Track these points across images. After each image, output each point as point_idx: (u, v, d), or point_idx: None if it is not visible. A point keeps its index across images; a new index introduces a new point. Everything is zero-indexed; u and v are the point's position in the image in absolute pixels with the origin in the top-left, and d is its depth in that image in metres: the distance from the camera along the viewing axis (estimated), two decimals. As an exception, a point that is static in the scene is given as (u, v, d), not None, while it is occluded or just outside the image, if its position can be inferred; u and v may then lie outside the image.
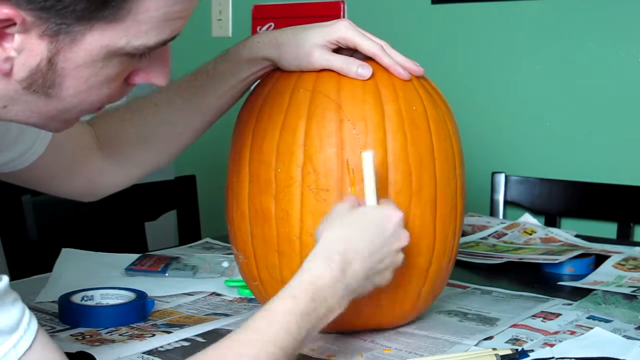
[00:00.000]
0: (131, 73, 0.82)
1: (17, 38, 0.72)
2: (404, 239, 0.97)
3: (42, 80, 0.76)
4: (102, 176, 1.19)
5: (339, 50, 1.08)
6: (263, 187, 1.05)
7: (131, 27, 0.74)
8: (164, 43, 0.78)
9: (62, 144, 1.12)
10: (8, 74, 0.75)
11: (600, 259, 1.49)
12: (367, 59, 1.08)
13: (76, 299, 1.15)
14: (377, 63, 1.07)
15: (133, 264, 1.40)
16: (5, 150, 1.05)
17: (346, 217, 0.95)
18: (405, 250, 0.99)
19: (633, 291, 1.29)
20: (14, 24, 0.71)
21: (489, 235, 1.70)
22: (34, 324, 0.75)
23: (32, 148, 1.07)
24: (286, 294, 0.87)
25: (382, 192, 1.01)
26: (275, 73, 1.11)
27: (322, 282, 0.88)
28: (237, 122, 1.13)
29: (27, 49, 0.73)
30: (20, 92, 0.77)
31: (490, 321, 1.15)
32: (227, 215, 1.13)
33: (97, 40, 0.74)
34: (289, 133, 1.04)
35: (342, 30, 1.07)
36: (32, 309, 0.83)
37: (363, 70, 1.05)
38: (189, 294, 1.27)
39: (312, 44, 1.06)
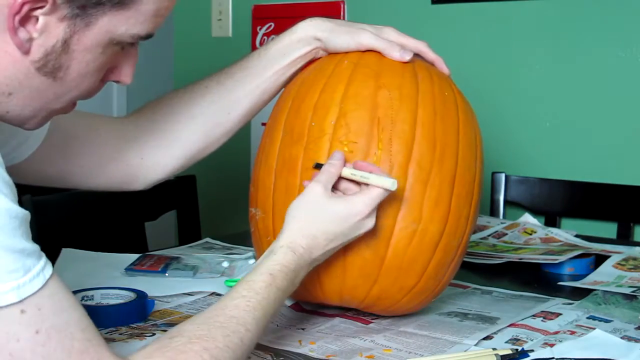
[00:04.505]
0: (107, 71, 0.90)
1: (41, 20, 0.79)
2: (365, 228, 1.02)
3: (54, 62, 0.83)
4: (143, 161, 1.22)
5: None
6: (295, 139, 1.10)
7: (132, 16, 0.83)
8: (148, 37, 0.87)
9: (79, 139, 1.17)
10: (26, 52, 0.81)
11: (600, 259, 1.49)
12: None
13: (76, 299, 1.15)
14: (422, 58, 1.17)
15: (133, 264, 1.40)
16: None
17: (317, 207, 1.01)
18: (420, 215, 1.06)
19: (633, 291, 1.29)
20: (43, 5, 0.78)
21: (489, 235, 1.70)
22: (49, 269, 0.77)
23: (30, 138, 1.10)
24: (264, 271, 0.95)
25: (406, 156, 1.06)
26: (321, 57, 1.19)
27: (292, 268, 0.97)
28: (281, 94, 1.20)
29: (47, 31, 0.80)
30: (30, 74, 0.83)
31: (491, 321, 1.15)
32: (252, 178, 1.17)
33: (105, 25, 0.82)
34: (328, 93, 1.10)
35: (390, 31, 1.16)
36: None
37: (404, 53, 1.12)
38: (189, 294, 1.27)
39: (363, 27, 1.16)
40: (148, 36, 0.87)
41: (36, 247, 0.77)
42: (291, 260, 0.97)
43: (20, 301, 0.73)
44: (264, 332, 0.93)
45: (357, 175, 1.02)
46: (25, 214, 0.76)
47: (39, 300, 0.74)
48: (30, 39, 0.81)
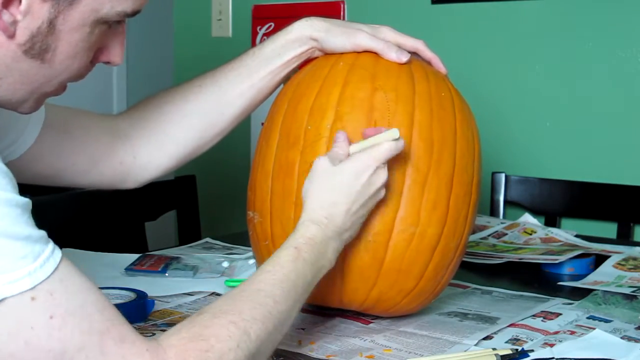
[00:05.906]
0: (96, 52, 0.89)
1: (25, 1, 0.79)
2: (379, 181, 1.01)
3: (41, 44, 0.82)
4: (136, 159, 1.21)
5: None
6: (291, 143, 1.09)
7: None
8: (134, 13, 0.87)
9: (73, 135, 1.16)
10: (11, 36, 0.81)
11: (600, 259, 1.49)
12: None
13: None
14: (420, 57, 1.17)
15: (133, 264, 1.40)
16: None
17: (327, 177, 1.00)
18: (418, 218, 1.06)
19: (633, 291, 1.29)
20: None
21: (489, 235, 1.70)
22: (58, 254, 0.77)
23: (22, 137, 1.10)
24: (289, 245, 0.96)
25: (402, 159, 1.06)
26: (316, 58, 1.19)
27: (318, 240, 0.97)
28: (277, 96, 1.19)
29: (31, 12, 0.80)
30: (18, 58, 0.83)
31: (491, 321, 1.15)
32: (249, 182, 1.16)
33: (90, 3, 0.82)
34: (324, 96, 1.10)
35: (386, 30, 1.15)
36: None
37: (401, 54, 1.12)
38: (189, 294, 1.27)
39: (359, 27, 1.15)
40: (134, 13, 0.87)
41: (42, 232, 0.76)
42: (315, 233, 0.97)
43: (31, 288, 0.73)
44: (299, 305, 0.93)
45: (365, 144, 1.02)
46: (26, 201, 0.75)
47: (50, 285, 0.74)
48: (15, 22, 0.80)
